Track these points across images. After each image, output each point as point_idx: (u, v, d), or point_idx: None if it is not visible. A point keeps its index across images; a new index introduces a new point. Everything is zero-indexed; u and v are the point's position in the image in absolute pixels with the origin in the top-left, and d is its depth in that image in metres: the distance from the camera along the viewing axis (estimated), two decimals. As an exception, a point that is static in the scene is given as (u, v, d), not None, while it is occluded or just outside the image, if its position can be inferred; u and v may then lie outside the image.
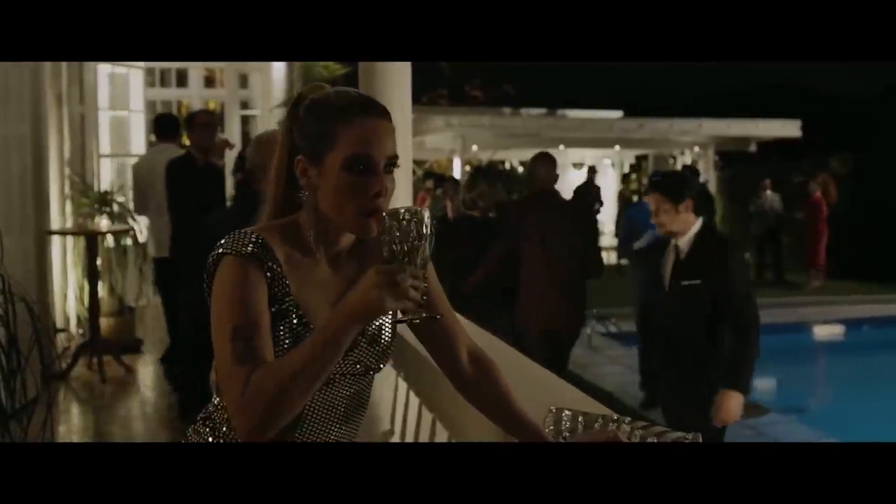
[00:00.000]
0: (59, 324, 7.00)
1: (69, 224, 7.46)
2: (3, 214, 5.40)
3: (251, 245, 1.60)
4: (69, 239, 7.45)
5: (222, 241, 1.63)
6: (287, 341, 1.63)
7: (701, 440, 1.82)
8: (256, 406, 1.50)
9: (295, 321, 1.64)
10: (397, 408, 3.41)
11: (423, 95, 24.74)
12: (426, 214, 1.53)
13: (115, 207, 7.69)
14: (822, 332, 11.57)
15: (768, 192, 15.47)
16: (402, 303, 1.49)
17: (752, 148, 19.89)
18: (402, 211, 1.52)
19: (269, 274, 1.61)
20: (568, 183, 20.09)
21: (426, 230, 1.53)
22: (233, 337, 1.55)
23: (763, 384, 9.01)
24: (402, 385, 3.32)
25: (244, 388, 1.51)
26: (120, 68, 8.81)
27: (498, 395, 1.85)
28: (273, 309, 1.61)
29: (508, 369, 2.25)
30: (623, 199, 17.43)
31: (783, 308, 12.79)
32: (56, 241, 7.06)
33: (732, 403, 3.83)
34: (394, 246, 1.51)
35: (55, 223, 7.02)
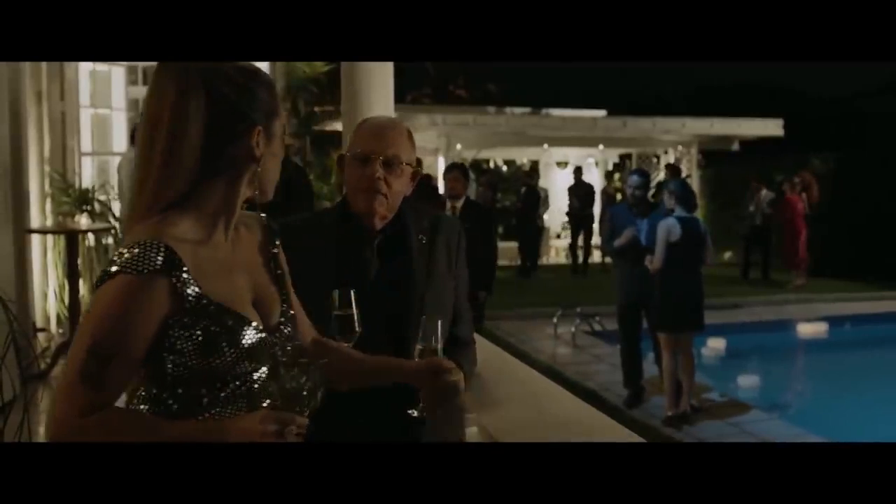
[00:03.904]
0: (40, 323, 6.95)
1: (49, 222, 7.40)
2: (-19, 213, 5.35)
3: (161, 255, 1.53)
4: (49, 237, 7.39)
5: (125, 255, 1.54)
6: (213, 328, 1.59)
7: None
8: (85, 436, 1.49)
9: (213, 310, 1.59)
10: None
11: (408, 95, 24.75)
12: (320, 370, 1.64)
13: (97, 206, 7.63)
14: (805, 329, 11.63)
15: (764, 191, 15.44)
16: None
17: (736, 147, 19.95)
18: (303, 362, 1.63)
19: (175, 282, 1.55)
20: (551, 181, 20.13)
21: (321, 380, 1.64)
22: (90, 352, 1.50)
23: (747, 381, 9.05)
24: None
25: (80, 410, 1.48)
26: (101, 66, 8.74)
27: (342, 358, 1.91)
28: (188, 307, 1.56)
29: (500, 371, 2.25)
30: (607, 197, 17.47)
31: (766, 306, 12.87)
32: (36, 239, 6.99)
33: None
34: (286, 390, 1.61)
35: (35, 221, 6.96)
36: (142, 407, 1.63)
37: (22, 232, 6.30)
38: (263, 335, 1.66)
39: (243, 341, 1.61)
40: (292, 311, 1.79)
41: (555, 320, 10.74)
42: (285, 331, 1.74)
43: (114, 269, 1.52)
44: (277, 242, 1.85)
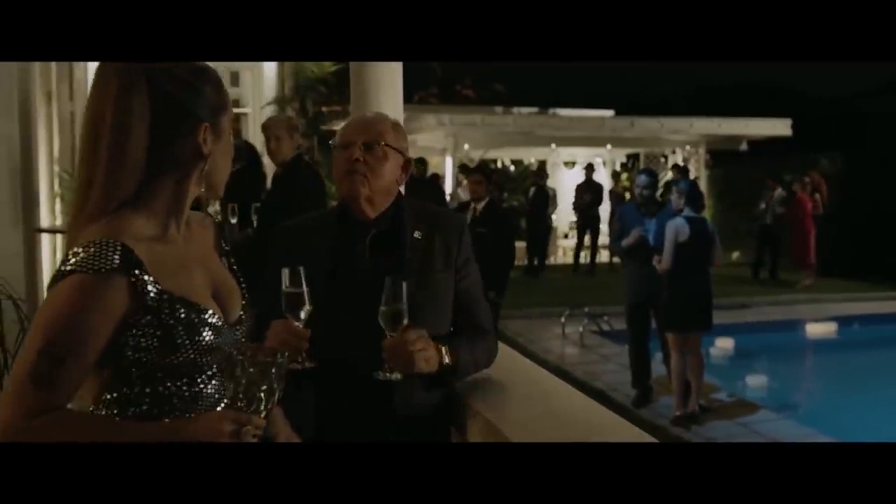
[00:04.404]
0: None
1: (59, 222, 7.42)
2: (-9, 212, 5.38)
3: (117, 254, 1.52)
4: (59, 237, 7.41)
5: (80, 254, 1.52)
6: (175, 323, 1.59)
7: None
8: (33, 438, 1.47)
9: (178, 306, 1.60)
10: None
11: (415, 95, 24.76)
12: (283, 363, 1.60)
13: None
14: (814, 329, 11.60)
15: (778, 190, 15.39)
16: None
17: (744, 147, 19.93)
18: (263, 361, 1.60)
19: (134, 281, 1.54)
20: (559, 181, 20.13)
21: (279, 381, 1.60)
22: (42, 352, 1.47)
23: (755, 381, 9.03)
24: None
25: (28, 409, 1.46)
26: (110, 66, 8.77)
27: None
28: (149, 304, 1.56)
29: (510, 371, 2.25)
30: (615, 197, 17.45)
31: (775, 306, 12.84)
32: (46, 238, 7.02)
33: None
34: (246, 388, 1.58)
35: (45, 221, 6.98)
36: (113, 410, 1.61)
37: (32, 231, 6.33)
38: (226, 328, 1.68)
39: (207, 335, 1.62)
40: (251, 307, 1.82)
41: (563, 320, 10.74)
42: (247, 324, 1.78)
43: (68, 267, 1.51)
44: (226, 239, 1.90)
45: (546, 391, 2.43)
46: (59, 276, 1.51)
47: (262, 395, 1.59)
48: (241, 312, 1.77)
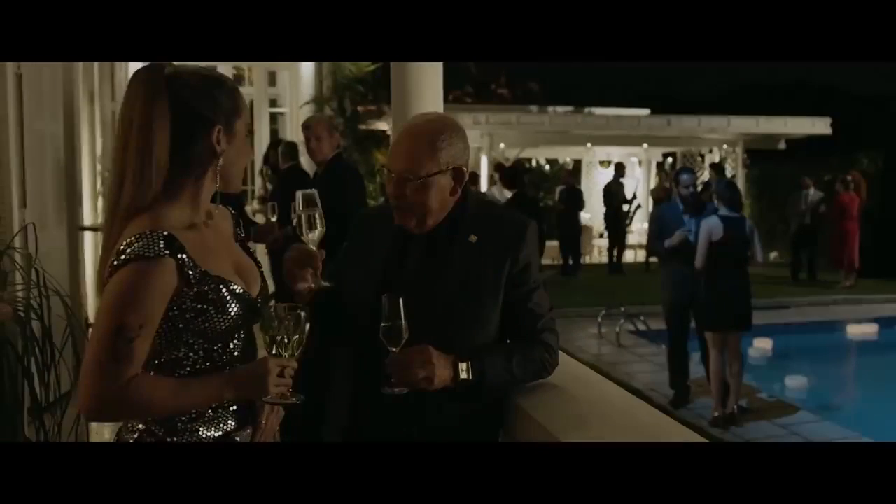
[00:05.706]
0: (93, 318, 7.06)
1: (101, 220, 7.52)
2: (37, 210, 5.45)
3: (162, 242, 1.75)
4: (101, 234, 7.50)
5: (131, 247, 1.73)
6: (215, 296, 1.82)
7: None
8: (123, 404, 1.73)
9: (213, 283, 1.83)
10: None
11: (450, 94, 24.77)
12: (306, 315, 1.87)
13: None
14: (855, 330, 11.45)
15: (811, 189, 15.20)
16: (281, 389, 1.84)
17: (782, 145, 19.70)
18: (286, 310, 1.86)
19: (180, 264, 1.77)
20: (594, 182, 20.03)
21: (306, 328, 1.87)
22: (117, 332, 1.70)
23: (794, 382, 8.93)
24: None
25: (113, 382, 1.69)
26: (150, 66, 8.85)
27: None
28: (193, 282, 1.79)
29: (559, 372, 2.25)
30: (656, 197, 17.32)
31: (815, 307, 12.70)
32: (88, 236, 7.12)
33: None
34: (281, 338, 1.86)
35: (88, 219, 7.09)
36: (165, 372, 1.85)
37: (75, 229, 6.42)
38: (251, 300, 1.93)
39: (236, 306, 1.86)
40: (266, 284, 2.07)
41: (599, 320, 10.70)
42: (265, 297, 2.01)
43: (123, 258, 1.74)
44: (241, 230, 2.13)
45: (590, 389, 2.43)
46: (117, 267, 1.73)
47: (295, 342, 1.86)
48: (260, 291, 2.00)
